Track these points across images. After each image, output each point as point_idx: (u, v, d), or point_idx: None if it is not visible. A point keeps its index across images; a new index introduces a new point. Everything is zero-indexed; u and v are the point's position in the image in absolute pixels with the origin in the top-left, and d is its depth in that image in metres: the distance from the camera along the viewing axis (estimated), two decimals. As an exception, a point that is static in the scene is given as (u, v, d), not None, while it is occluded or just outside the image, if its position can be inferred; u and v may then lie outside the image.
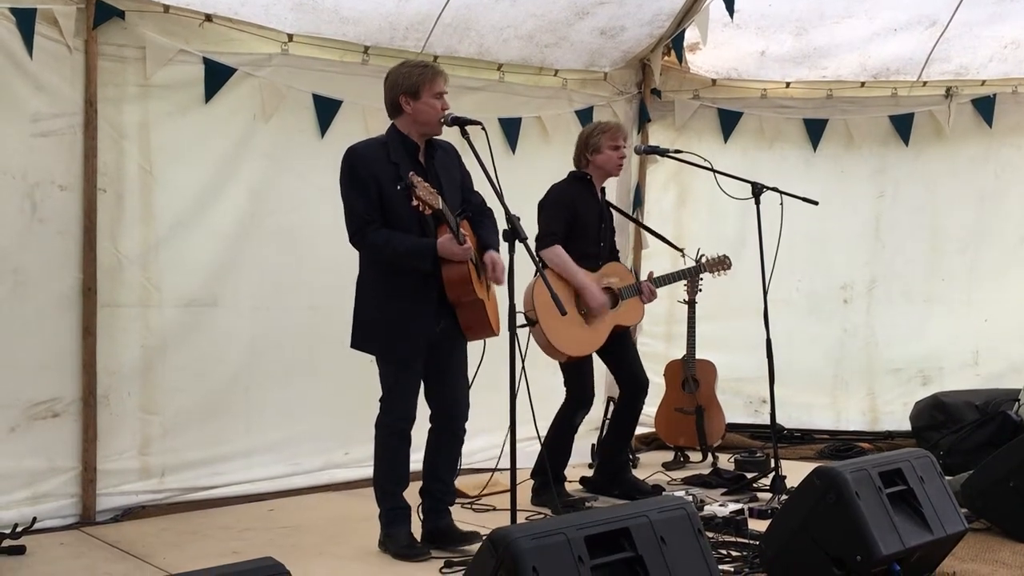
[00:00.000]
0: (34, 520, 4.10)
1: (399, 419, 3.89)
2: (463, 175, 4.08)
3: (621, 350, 4.87)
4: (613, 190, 5.14)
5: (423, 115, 3.84)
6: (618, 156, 4.79)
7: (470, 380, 4.02)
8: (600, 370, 5.04)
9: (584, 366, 4.74)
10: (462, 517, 4.34)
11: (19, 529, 3.98)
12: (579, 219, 4.70)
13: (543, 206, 4.73)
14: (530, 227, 4.40)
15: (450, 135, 3.93)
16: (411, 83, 3.83)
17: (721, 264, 5.16)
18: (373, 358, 3.93)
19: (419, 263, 3.77)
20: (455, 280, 3.81)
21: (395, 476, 3.93)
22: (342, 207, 3.87)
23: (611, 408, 5.22)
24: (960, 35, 6.15)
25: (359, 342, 3.94)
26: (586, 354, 4.71)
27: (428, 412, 4.01)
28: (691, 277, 5.27)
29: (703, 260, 5.14)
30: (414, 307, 3.82)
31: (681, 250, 5.25)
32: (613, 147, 4.76)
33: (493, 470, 4.89)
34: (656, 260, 5.93)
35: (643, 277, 4.97)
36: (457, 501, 4.28)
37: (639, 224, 5.98)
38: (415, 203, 3.54)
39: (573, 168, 4.86)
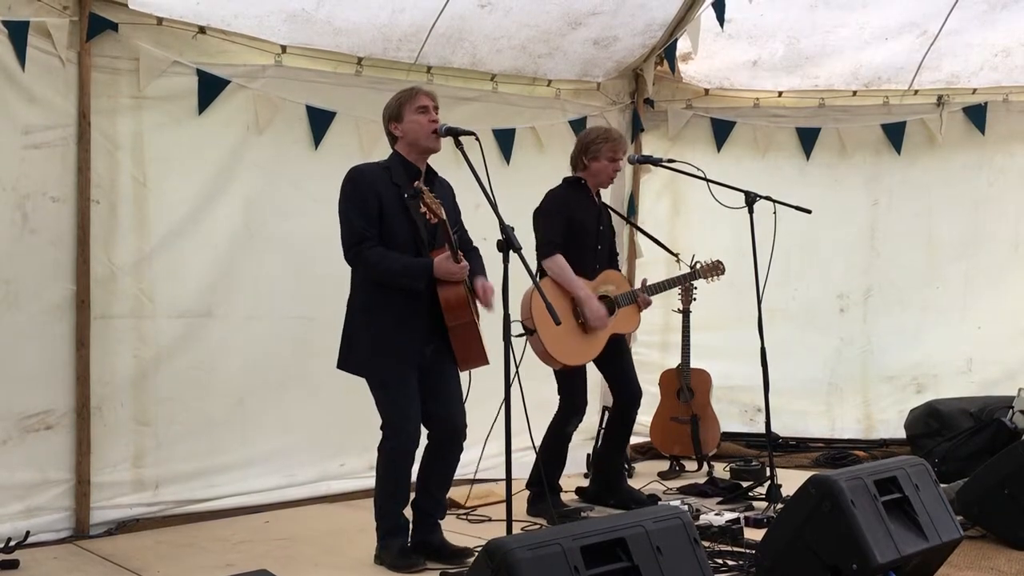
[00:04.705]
0: (27, 534, 4.08)
1: (405, 443, 3.85)
2: (455, 211, 4.09)
3: (616, 359, 4.86)
4: (607, 200, 5.13)
5: (411, 132, 3.88)
6: (613, 168, 4.78)
7: (465, 393, 4.00)
8: (595, 379, 5.04)
9: (577, 374, 4.74)
10: (458, 528, 4.33)
11: (12, 543, 3.96)
12: (575, 225, 4.69)
13: (540, 214, 4.72)
14: (524, 238, 4.40)
15: (444, 146, 3.93)
16: (393, 109, 3.93)
17: (715, 269, 5.12)
18: (366, 372, 3.92)
19: (413, 282, 3.76)
20: (452, 302, 3.80)
21: (397, 495, 3.92)
22: (336, 218, 3.87)
23: (606, 418, 5.21)
24: (951, 43, 6.18)
25: (347, 363, 3.92)
26: (584, 363, 4.71)
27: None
28: (684, 283, 5.26)
29: (697, 266, 5.12)
30: (402, 327, 3.81)
31: (676, 255, 5.25)
32: (611, 158, 4.75)
33: (473, 480, 4.85)
34: (652, 268, 5.95)
35: (636, 285, 4.96)
36: (451, 512, 4.25)
37: (636, 227, 5.97)
38: (423, 210, 3.55)
39: (569, 171, 4.85)
